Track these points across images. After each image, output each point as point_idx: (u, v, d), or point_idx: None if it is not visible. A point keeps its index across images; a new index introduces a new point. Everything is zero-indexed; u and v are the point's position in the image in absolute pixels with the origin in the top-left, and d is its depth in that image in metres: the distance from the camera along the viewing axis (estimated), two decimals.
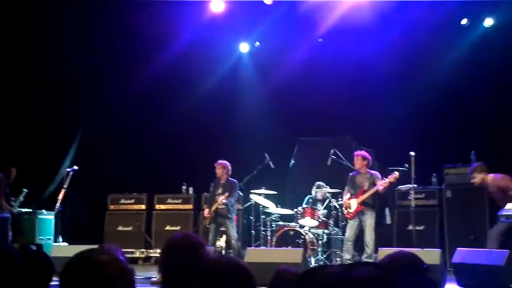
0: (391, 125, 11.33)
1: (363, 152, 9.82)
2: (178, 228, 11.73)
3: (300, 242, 9.90)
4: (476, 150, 10.15)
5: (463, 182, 9.97)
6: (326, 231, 10.32)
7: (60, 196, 10.38)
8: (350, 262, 9.31)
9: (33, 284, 2.59)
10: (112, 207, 12.28)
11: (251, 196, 10.82)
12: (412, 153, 9.00)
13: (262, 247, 10.32)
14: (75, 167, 10.70)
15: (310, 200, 10.76)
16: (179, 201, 12.12)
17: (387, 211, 10.74)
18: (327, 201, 10.56)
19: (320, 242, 10.13)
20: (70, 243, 10.88)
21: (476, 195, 9.80)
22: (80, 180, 11.78)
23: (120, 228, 12.02)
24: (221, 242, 10.68)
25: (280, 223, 10.67)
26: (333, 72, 11.90)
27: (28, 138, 11.95)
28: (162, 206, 12.13)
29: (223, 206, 10.06)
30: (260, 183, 10.88)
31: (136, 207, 12.21)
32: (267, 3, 11.18)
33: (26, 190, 11.27)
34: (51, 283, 2.63)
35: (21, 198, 11.21)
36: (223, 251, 10.64)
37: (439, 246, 9.42)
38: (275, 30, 11.92)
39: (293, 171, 12.09)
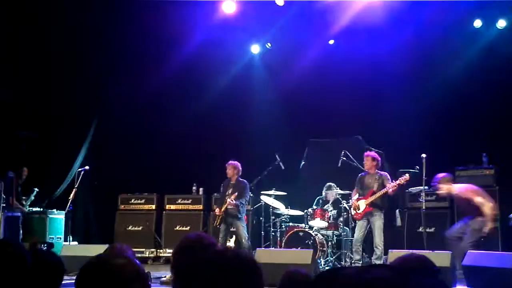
0: (402, 126, 11.29)
1: (372, 153, 9.78)
2: (188, 228, 11.74)
3: (309, 243, 9.89)
4: (487, 152, 10.10)
5: (474, 184, 9.91)
6: (336, 232, 10.30)
7: (71, 196, 10.42)
8: (360, 263, 9.30)
9: (43, 284, 2.60)
10: (122, 207, 12.32)
11: (261, 197, 10.82)
12: (424, 155, 8.95)
13: (271, 248, 10.31)
14: (86, 167, 10.74)
15: (320, 201, 10.76)
16: (189, 201, 12.13)
17: (397, 213, 10.70)
18: (337, 202, 10.55)
19: (330, 243, 10.11)
20: (80, 243, 10.93)
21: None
22: (91, 180, 11.84)
23: (130, 228, 12.05)
24: (231, 243, 10.70)
25: (290, 224, 10.66)
26: (344, 73, 11.88)
27: (40, 139, 12.01)
28: (172, 206, 12.15)
29: (233, 207, 10.07)
30: (270, 184, 10.88)
31: (146, 207, 12.24)
32: (279, 4, 11.17)
33: (37, 189, 11.35)
34: (62, 283, 2.64)
35: (32, 198, 11.29)
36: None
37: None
38: (287, 31, 11.92)
39: (304, 172, 12.06)
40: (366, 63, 11.78)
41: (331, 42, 12.22)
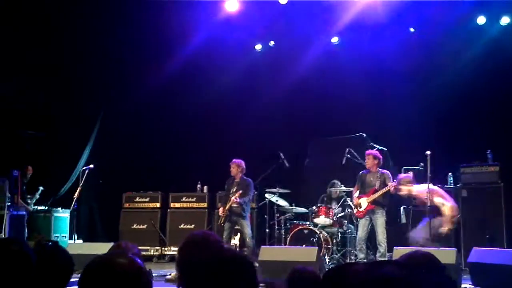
0: (406, 123, 11.28)
1: (374, 151, 9.81)
2: (192, 226, 11.75)
3: (314, 240, 9.89)
4: (492, 149, 10.07)
5: (479, 181, 9.91)
6: (340, 229, 10.30)
7: (76, 194, 10.44)
8: (365, 261, 9.31)
9: (50, 281, 2.60)
10: (127, 205, 12.33)
11: (266, 195, 10.82)
12: (428, 152, 8.94)
13: (276, 246, 10.31)
14: (91, 166, 10.76)
15: (325, 199, 10.76)
16: (194, 199, 12.14)
17: (402, 210, 10.68)
18: (341, 199, 10.55)
19: (334, 240, 10.11)
20: (85, 241, 10.95)
21: (492, 195, 9.73)
22: (96, 178, 11.86)
23: (135, 226, 12.07)
24: (235, 241, 10.71)
25: (295, 221, 10.67)
26: (349, 71, 11.87)
27: (45, 137, 12.04)
28: (177, 205, 12.17)
29: (237, 205, 10.07)
30: (274, 182, 10.88)
31: (151, 205, 12.26)
32: (282, 3, 11.17)
33: (42, 188, 11.37)
34: (71, 279, 2.65)
35: (37, 196, 11.31)
36: (237, 250, 10.66)
37: (454, 245, 9.35)
38: (290, 29, 11.92)
39: (308, 169, 12.06)
40: (370, 61, 11.78)
41: (335, 40, 12.22)
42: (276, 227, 10.73)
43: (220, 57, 12.18)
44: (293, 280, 3.15)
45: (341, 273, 1.46)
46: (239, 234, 10.71)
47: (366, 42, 11.70)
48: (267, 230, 10.84)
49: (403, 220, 10.62)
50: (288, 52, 12.22)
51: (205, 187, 12.28)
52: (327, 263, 9.68)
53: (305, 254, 8.09)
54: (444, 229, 8.61)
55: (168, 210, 12.17)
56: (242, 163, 10.39)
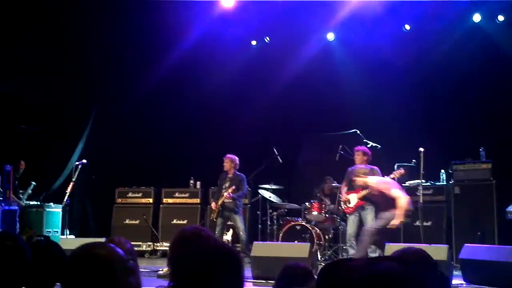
0: (400, 120, 11.30)
1: (363, 147, 9.82)
2: (185, 222, 11.73)
3: (306, 236, 9.90)
4: (485, 146, 10.11)
5: (471, 178, 9.95)
6: (333, 226, 10.32)
7: (68, 189, 10.41)
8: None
9: (45, 276, 2.60)
10: (119, 200, 12.31)
11: (259, 190, 10.83)
12: (421, 149, 8.97)
13: (268, 242, 10.32)
14: (84, 161, 10.73)
15: (318, 195, 10.77)
16: (187, 195, 12.13)
17: None
18: (334, 196, 10.56)
19: (326, 237, 10.13)
20: (77, 236, 10.93)
21: (484, 192, 9.77)
22: (88, 173, 11.82)
23: (127, 221, 12.05)
24: (228, 236, 10.72)
25: (287, 217, 10.68)
26: (343, 67, 11.92)
27: (38, 132, 12.00)
28: (170, 200, 12.15)
29: (230, 200, 10.07)
30: (268, 177, 10.88)
31: (143, 200, 12.23)
32: None
33: (34, 183, 11.33)
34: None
35: (29, 191, 11.27)
36: (230, 245, 10.67)
37: (446, 242, 9.39)
38: (285, 25, 11.90)
39: (301, 166, 12.07)
40: (365, 57, 11.80)
41: (330, 36, 12.23)
42: (269, 223, 10.74)
43: (215, 53, 12.17)
44: (285, 276, 3.15)
45: (338, 268, 1.45)
46: (231, 229, 10.72)
47: (362, 39, 11.71)
48: (259, 226, 10.85)
49: None
50: (283, 48, 12.21)
51: (198, 183, 12.27)
52: (319, 259, 9.70)
53: (298, 250, 8.09)
54: (396, 222, 8.57)
55: (161, 205, 12.15)
56: (236, 158, 10.38)
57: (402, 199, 8.50)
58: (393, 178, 9.45)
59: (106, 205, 12.27)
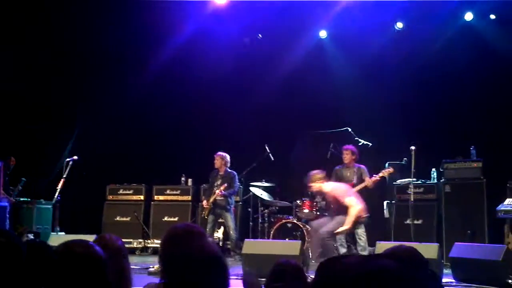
0: (391, 119, 11.33)
1: (351, 147, 9.90)
2: (176, 219, 11.72)
3: (298, 234, 9.92)
4: (475, 145, 10.15)
5: (462, 177, 9.99)
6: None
7: (59, 186, 10.37)
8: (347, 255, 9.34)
9: (39, 274, 2.59)
10: (110, 197, 12.28)
11: (250, 188, 10.83)
12: (413, 148, 9.00)
13: (260, 239, 10.33)
14: (75, 157, 10.68)
15: (309, 193, 10.77)
16: (178, 192, 12.10)
17: (385, 205, 10.75)
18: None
19: None
20: (68, 233, 10.87)
21: (474, 191, 9.81)
22: (80, 170, 11.77)
23: (118, 218, 12.01)
24: (219, 234, 10.72)
25: (279, 215, 10.69)
26: (334, 65, 11.94)
27: (31, 129, 11.97)
28: (161, 197, 12.12)
29: (222, 198, 10.07)
30: (259, 175, 10.88)
31: (134, 197, 12.20)
32: None
33: (24, 179, 11.27)
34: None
35: (20, 187, 11.21)
36: (221, 243, 10.67)
37: (436, 240, 9.42)
38: (277, 23, 11.90)
39: (293, 163, 12.08)
40: (357, 55, 11.83)
41: (323, 34, 12.24)
42: (260, 220, 10.76)
43: (207, 51, 12.13)
44: (276, 273, 3.16)
45: (335, 265, 1.46)
46: (222, 227, 10.72)
47: (354, 36, 11.72)
48: (251, 223, 10.86)
49: (386, 214, 10.68)
50: (275, 46, 12.22)
51: (189, 180, 12.25)
52: (310, 257, 9.70)
53: (289, 247, 8.10)
54: (343, 228, 8.54)
55: (152, 202, 12.12)
56: (227, 156, 10.39)
57: (354, 208, 8.49)
58: (382, 176, 9.53)
59: (97, 202, 12.24)
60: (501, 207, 8.87)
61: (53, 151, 12.31)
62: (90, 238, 3.21)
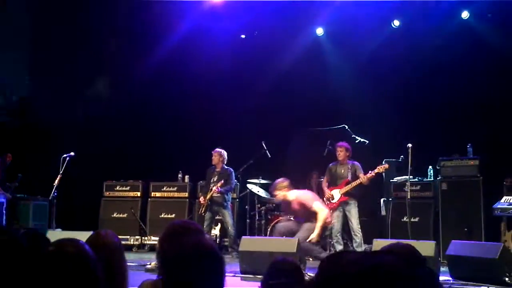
0: (388, 116, 11.34)
1: (345, 143, 9.93)
2: (173, 216, 11.70)
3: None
4: (472, 143, 10.16)
5: (459, 174, 9.98)
6: None
7: (56, 182, 10.35)
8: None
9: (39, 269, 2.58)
10: (107, 193, 12.25)
11: (247, 185, 10.82)
12: (410, 145, 9.00)
13: (257, 236, 10.33)
14: (72, 153, 10.66)
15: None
16: (175, 189, 12.08)
17: (382, 202, 10.76)
18: (321, 191, 10.58)
19: None
20: (64, 229, 10.86)
21: (471, 188, 9.82)
22: (76, 166, 11.75)
23: (115, 215, 11.99)
24: (216, 231, 10.71)
25: (275, 212, 10.68)
26: (331, 62, 11.93)
27: (27, 125, 11.97)
28: (158, 194, 12.10)
29: (218, 194, 10.07)
30: (256, 172, 10.88)
31: (131, 194, 12.18)
32: None
33: (21, 175, 11.25)
34: None
35: (16, 184, 11.19)
36: (218, 240, 10.67)
37: (433, 238, 9.44)
38: (274, 20, 11.89)
39: (290, 160, 12.09)
40: (354, 53, 11.84)
41: (320, 31, 12.24)
42: (257, 217, 10.75)
43: (204, 48, 12.14)
44: (273, 270, 3.15)
45: (339, 260, 1.45)
46: (219, 224, 10.72)
47: (351, 34, 11.73)
48: (248, 220, 10.85)
49: (383, 212, 10.70)
50: (272, 43, 12.21)
51: (186, 177, 12.23)
52: None
53: (286, 245, 8.10)
54: (314, 236, 8.45)
55: (149, 199, 12.10)
56: (224, 152, 10.39)
57: (322, 213, 8.50)
58: (378, 173, 9.56)
59: (94, 198, 12.21)
60: (497, 205, 8.88)
61: (49, 147, 12.30)
62: (87, 234, 3.21)
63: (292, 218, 9.26)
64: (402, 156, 9.66)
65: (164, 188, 12.10)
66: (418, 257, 2.67)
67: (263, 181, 10.84)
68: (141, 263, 8.60)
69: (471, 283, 7.21)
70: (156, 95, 12.67)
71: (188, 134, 12.61)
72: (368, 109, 11.59)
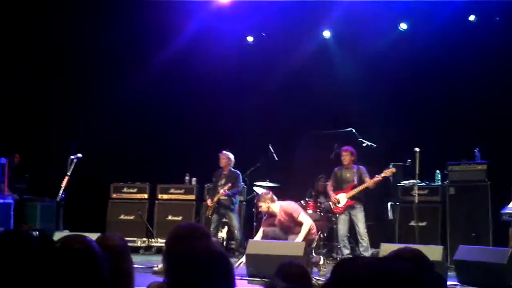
0: (395, 120, 11.31)
1: (350, 148, 9.93)
2: (180, 218, 11.70)
3: None
4: (480, 147, 10.12)
5: (466, 179, 9.94)
6: (328, 224, 10.32)
7: (63, 184, 10.37)
8: (351, 256, 9.34)
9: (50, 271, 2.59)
10: (114, 195, 12.27)
11: (254, 188, 10.82)
12: (417, 149, 8.98)
13: (263, 240, 10.31)
14: (79, 155, 10.68)
15: (313, 193, 10.77)
16: (182, 191, 12.09)
17: (389, 206, 10.73)
18: (328, 194, 10.56)
19: (321, 235, 10.12)
20: (71, 231, 10.87)
21: (479, 193, 9.78)
22: (84, 167, 11.78)
23: (122, 217, 12.01)
24: (223, 234, 10.71)
25: None
26: (338, 65, 11.91)
27: (34, 125, 12.01)
28: (165, 196, 12.11)
29: (226, 197, 10.07)
30: (263, 175, 10.88)
31: (138, 196, 12.19)
32: None
33: (28, 176, 11.29)
34: None
35: (25, 185, 11.23)
36: (225, 242, 10.67)
37: (441, 242, 9.40)
38: (282, 22, 11.89)
39: (297, 163, 12.07)
40: (361, 55, 11.81)
41: (327, 34, 12.23)
42: None
43: (211, 49, 12.13)
44: (280, 274, 3.14)
45: (352, 264, 1.46)
46: (226, 227, 10.71)
47: (358, 37, 11.71)
48: (254, 223, 10.83)
49: (390, 216, 10.66)
50: (279, 45, 12.20)
51: (194, 179, 12.23)
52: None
53: (293, 248, 8.09)
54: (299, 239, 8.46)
55: (156, 201, 12.11)
56: (231, 155, 10.40)
57: (307, 223, 8.47)
58: (385, 177, 9.55)
59: (101, 200, 12.23)
60: (505, 210, 8.83)
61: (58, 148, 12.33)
62: (94, 236, 3.21)
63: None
64: (409, 160, 9.63)
65: (171, 190, 12.11)
66: (426, 262, 2.66)
67: (270, 184, 10.83)
68: (148, 265, 8.62)
69: None
70: (163, 96, 12.68)
71: (195, 136, 12.62)
72: (375, 113, 11.56)
